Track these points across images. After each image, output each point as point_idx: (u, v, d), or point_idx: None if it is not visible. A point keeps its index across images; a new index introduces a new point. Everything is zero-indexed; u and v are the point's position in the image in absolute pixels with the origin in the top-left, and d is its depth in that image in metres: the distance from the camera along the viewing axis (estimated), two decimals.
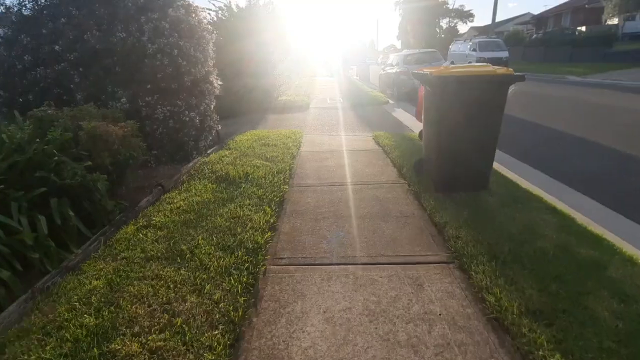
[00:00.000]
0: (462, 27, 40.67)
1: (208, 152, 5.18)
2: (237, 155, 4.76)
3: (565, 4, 33.42)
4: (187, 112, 4.41)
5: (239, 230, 2.76)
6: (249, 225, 2.85)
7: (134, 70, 4.04)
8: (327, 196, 3.70)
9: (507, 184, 3.85)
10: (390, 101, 11.57)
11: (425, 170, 3.91)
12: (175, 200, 3.35)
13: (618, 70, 16.33)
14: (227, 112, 10.34)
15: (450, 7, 35.85)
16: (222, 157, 4.72)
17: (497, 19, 47.95)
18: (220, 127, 6.00)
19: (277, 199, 3.46)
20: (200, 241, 2.59)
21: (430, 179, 3.75)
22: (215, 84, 5.27)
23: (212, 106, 5.35)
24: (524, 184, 3.92)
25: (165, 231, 2.75)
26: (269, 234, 2.80)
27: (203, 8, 12.53)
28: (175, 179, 4.03)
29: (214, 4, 11.67)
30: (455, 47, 22.58)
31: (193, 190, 3.59)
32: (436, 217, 3.01)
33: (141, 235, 2.70)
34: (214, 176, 3.96)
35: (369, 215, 3.25)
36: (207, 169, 4.23)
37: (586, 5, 30.25)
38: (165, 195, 3.53)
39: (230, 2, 12.03)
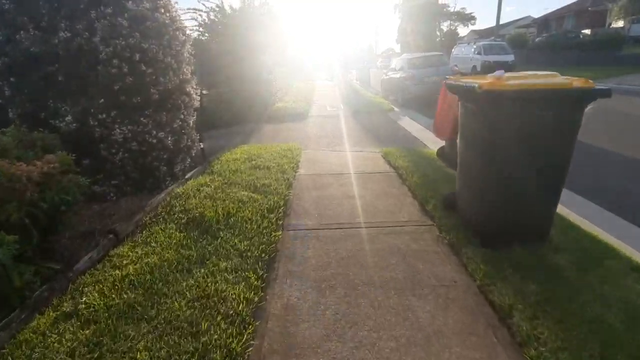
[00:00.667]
0: (462, 31, 39.95)
1: (187, 176, 4.24)
2: (219, 184, 3.82)
3: (567, 6, 32.71)
4: (154, 131, 3.48)
5: (204, 325, 1.82)
6: (221, 313, 1.92)
7: (84, 80, 3.11)
8: (333, 248, 2.76)
9: (567, 228, 2.92)
10: (395, 108, 10.68)
11: (461, 209, 2.98)
12: (124, 262, 2.41)
13: (631, 74, 15.51)
14: (218, 121, 9.41)
15: (451, 10, 35.08)
16: (201, 186, 3.78)
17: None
18: (202, 146, 5.06)
19: (267, 256, 2.53)
20: (138, 356, 1.65)
21: (468, 222, 2.83)
22: (194, 95, 4.33)
23: (191, 122, 4.41)
24: (587, 226, 3.00)
25: (92, 329, 1.81)
26: (250, 329, 1.86)
27: (194, 9, 11.70)
28: (136, 220, 3.09)
29: (204, 4, 10.76)
30: (458, 51, 21.75)
31: (153, 243, 2.64)
32: (493, 294, 2.08)
33: (53, 338, 1.76)
34: (185, 218, 3.02)
35: (392, 282, 2.32)
36: (179, 205, 3.29)
37: (589, 8, 29.52)
38: (115, 251, 2.59)
39: (222, 2, 11.12)
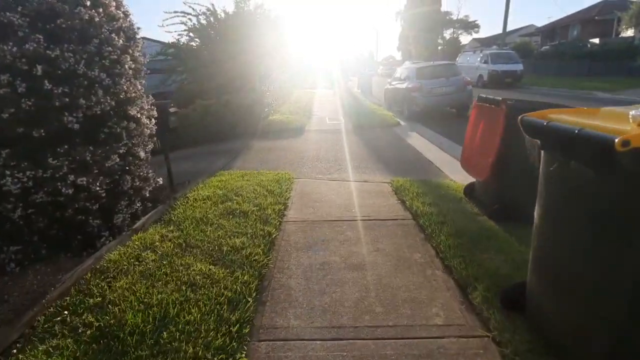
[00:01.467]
0: (463, 39, 39.12)
1: (136, 225, 3.12)
2: (170, 248, 2.70)
3: (573, 15, 31.84)
4: (72, 176, 2.37)
5: None
6: None
7: None
8: None
9: None
10: (401, 122, 9.60)
11: (538, 319, 1.85)
12: None
13: None
14: (203, 137, 8.31)
15: (454, 18, 34.23)
16: (146, 248, 2.66)
17: (499, 31, 46.52)
18: (161, 181, 3.94)
19: None
20: None
21: (555, 339, 1.71)
22: (145, 120, 3.20)
23: (143, 154, 3.29)
24: None
25: None
26: None
27: (183, 12, 10.67)
28: (24, 322, 1.97)
29: (192, 8, 9.72)
30: (463, 59, 20.76)
31: None
32: None
33: None
34: (95, 326, 1.89)
35: None
36: (96, 292, 2.16)
37: (596, 17, 28.62)
38: None
39: (213, 5, 10.09)
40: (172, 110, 4.07)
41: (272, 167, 5.61)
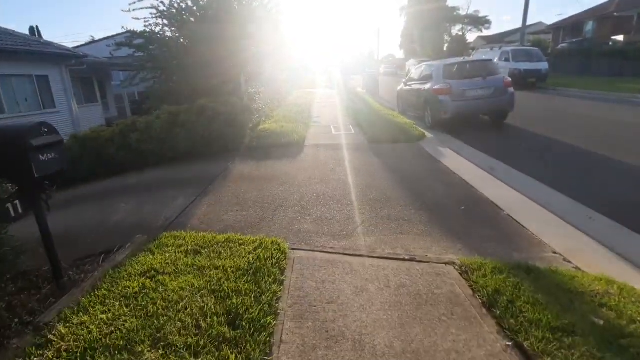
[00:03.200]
0: (470, 36, 36.93)
1: None
2: None
3: (587, 12, 29.70)
4: None
5: None
6: None
7: None
8: None
9: None
10: (426, 133, 7.46)
11: None
12: None
13: None
14: (168, 156, 6.19)
15: (463, 13, 32.02)
16: None
17: (504, 29, 44.22)
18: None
19: None
20: None
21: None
22: None
23: None
24: None
25: None
26: None
27: None
28: None
29: None
30: (479, 57, 18.61)
31: None
32: None
33: None
34: None
35: None
36: None
37: (615, 14, 26.50)
38: None
39: None
40: (41, 141, 1.95)
41: (254, 217, 3.48)
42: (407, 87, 10.33)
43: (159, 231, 3.22)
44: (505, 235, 3.10)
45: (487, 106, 7.80)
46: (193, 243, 2.75)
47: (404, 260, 2.69)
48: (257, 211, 3.66)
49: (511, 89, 7.93)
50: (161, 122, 6.19)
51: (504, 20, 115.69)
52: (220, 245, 2.70)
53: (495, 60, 16.77)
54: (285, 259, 2.57)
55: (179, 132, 6.14)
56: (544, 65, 15.68)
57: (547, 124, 8.13)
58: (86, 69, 14.49)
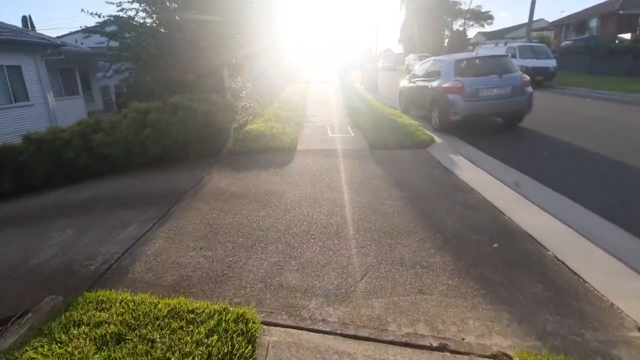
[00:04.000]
0: (470, 32, 35.89)
1: None
2: None
3: (592, 9, 28.79)
4: None
5: None
6: None
7: None
8: None
9: None
10: (435, 137, 6.54)
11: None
12: None
13: None
14: (136, 161, 5.25)
15: (465, 8, 30.91)
16: None
17: (504, 25, 43.15)
18: None
19: None
20: None
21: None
22: None
23: None
24: None
25: None
26: None
27: None
28: None
29: None
30: (484, 53, 17.65)
31: None
32: None
33: None
34: None
35: None
36: None
37: (620, 12, 25.61)
38: None
39: None
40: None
41: (221, 261, 2.56)
42: (411, 84, 9.38)
43: (85, 283, 2.29)
44: (561, 296, 2.20)
45: (503, 107, 6.89)
46: (119, 319, 1.83)
47: (430, 349, 1.79)
48: (227, 250, 2.74)
49: (530, 89, 7.02)
50: (128, 122, 5.22)
51: (502, 18, 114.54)
52: (159, 325, 1.78)
53: None
54: (252, 353, 1.66)
55: (149, 134, 5.17)
56: (552, 63, 14.78)
57: (566, 128, 7.24)
58: (66, 58, 13.33)
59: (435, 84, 7.65)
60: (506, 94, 6.86)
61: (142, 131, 5.20)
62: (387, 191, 3.96)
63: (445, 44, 34.25)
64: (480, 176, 4.65)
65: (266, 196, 3.80)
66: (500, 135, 7.04)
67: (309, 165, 4.90)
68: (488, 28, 42.34)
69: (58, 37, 16.61)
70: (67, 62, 13.89)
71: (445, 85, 7.15)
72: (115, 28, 7.15)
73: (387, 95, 13.98)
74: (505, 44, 16.16)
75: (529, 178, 4.56)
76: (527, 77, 7.11)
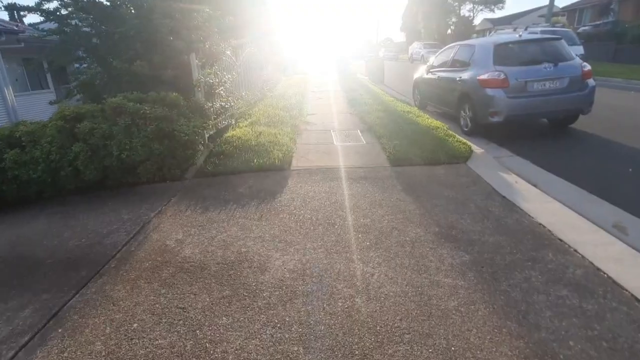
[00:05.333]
0: (477, 20, 33.90)
1: None
2: None
3: None
4: None
5: None
6: None
7: None
8: None
9: None
10: (474, 146, 4.95)
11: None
12: None
13: None
14: (69, 187, 3.67)
15: None
16: None
17: (510, 12, 41.09)
18: None
19: None
20: None
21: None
22: None
23: None
24: None
25: None
26: None
27: None
28: None
29: None
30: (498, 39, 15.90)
31: None
32: None
33: None
34: None
35: None
36: None
37: None
38: None
39: None
40: None
41: None
42: (430, 76, 7.76)
43: None
44: None
45: (557, 105, 5.30)
46: None
47: None
48: None
49: (592, 82, 5.44)
50: (50, 134, 3.63)
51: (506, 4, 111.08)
52: None
53: None
54: None
55: (80, 151, 3.59)
56: (579, 50, 13.05)
57: (631, 130, 5.67)
58: (28, 47, 11.58)
59: (466, 75, 6.04)
60: (562, 88, 5.27)
61: (71, 146, 3.62)
62: (433, 253, 2.41)
63: (450, 32, 32.37)
64: (559, 213, 3.11)
65: (237, 270, 2.26)
66: (549, 140, 5.48)
67: (307, 198, 3.33)
68: (492, 14, 40.27)
69: (36, 24, 14.76)
70: (31, 51, 12.14)
71: (482, 77, 5.54)
72: (56, 4, 5.42)
73: (395, 88, 12.33)
74: (525, 29, 14.42)
75: (630, 215, 3.06)
76: (589, 67, 5.51)
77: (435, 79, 7.45)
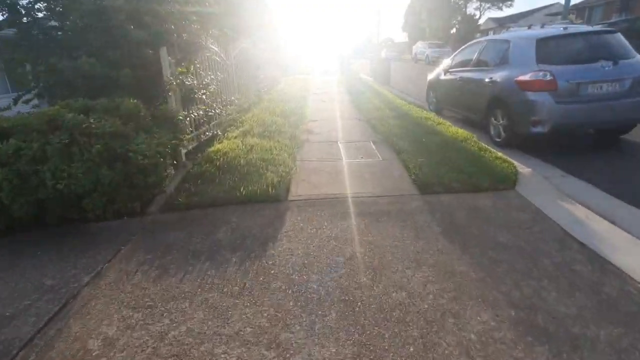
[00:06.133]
0: (483, 18, 32.91)
1: None
2: None
3: None
4: None
5: None
6: None
7: None
8: None
9: None
10: (516, 164, 3.96)
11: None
12: None
13: None
14: None
15: None
16: None
17: (517, 11, 40.12)
18: None
19: None
20: None
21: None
22: None
23: None
24: None
25: None
26: None
27: None
28: None
29: None
30: (504, 37, 14.89)
31: None
32: None
33: None
34: None
35: None
36: None
37: None
38: None
39: None
40: None
41: None
42: (449, 77, 6.78)
43: None
44: None
45: (617, 112, 4.29)
46: None
47: None
48: None
49: None
50: None
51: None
52: None
53: None
54: None
55: (3, 179, 2.60)
56: None
57: None
58: None
59: (498, 75, 5.05)
60: (623, 92, 4.27)
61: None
62: None
63: (454, 31, 31.38)
64: None
65: None
66: (603, 154, 4.49)
67: (312, 250, 2.34)
68: (500, 13, 39.32)
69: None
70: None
71: (521, 77, 4.55)
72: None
73: (403, 89, 11.33)
74: (542, 27, 13.40)
75: None
76: None
77: (455, 81, 6.46)
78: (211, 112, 4.16)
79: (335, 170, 3.84)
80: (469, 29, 30.63)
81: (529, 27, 7.57)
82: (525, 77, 4.51)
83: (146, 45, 3.14)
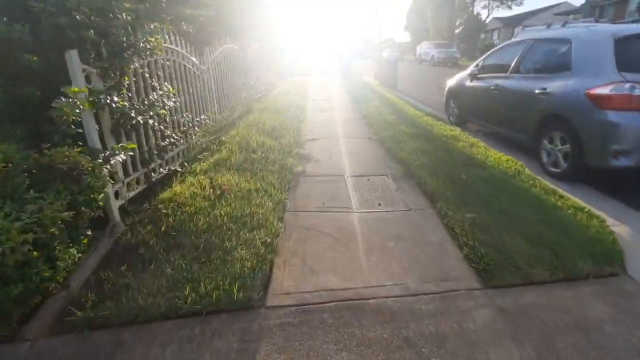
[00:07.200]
0: (492, 16, 31.65)
1: None
2: None
3: None
4: None
5: None
6: None
7: None
8: None
9: None
10: (603, 216, 2.71)
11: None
12: None
13: None
14: None
15: None
16: None
17: (523, 10, 38.96)
18: None
19: None
20: None
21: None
22: None
23: None
24: None
25: None
26: None
27: None
28: None
29: None
30: (525, 37, 13.63)
31: None
32: None
33: None
34: None
35: None
36: None
37: None
38: None
39: None
40: None
41: None
42: (477, 84, 5.54)
43: None
44: None
45: None
46: None
47: None
48: None
49: None
50: None
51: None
52: None
53: None
54: None
55: None
56: None
57: None
58: None
59: (556, 86, 3.80)
60: None
61: None
62: None
63: (459, 31, 30.15)
64: None
65: None
66: None
67: None
68: (505, 13, 38.13)
69: None
70: None
71: (596, 90, 3.29)
72: None
73: (413, 95, 10.07)
74: (564, 25, 12.13)
75: None
76: None
77: (487, 90, 5.21)
78: (165, 141, 2.91)
79: (342, 231, 2.57)
80: (475, 28, 29.40)
81: (548, 26, 6.31)
82: (603, 90, 3.25)
83: (42, 46, 1.88)
